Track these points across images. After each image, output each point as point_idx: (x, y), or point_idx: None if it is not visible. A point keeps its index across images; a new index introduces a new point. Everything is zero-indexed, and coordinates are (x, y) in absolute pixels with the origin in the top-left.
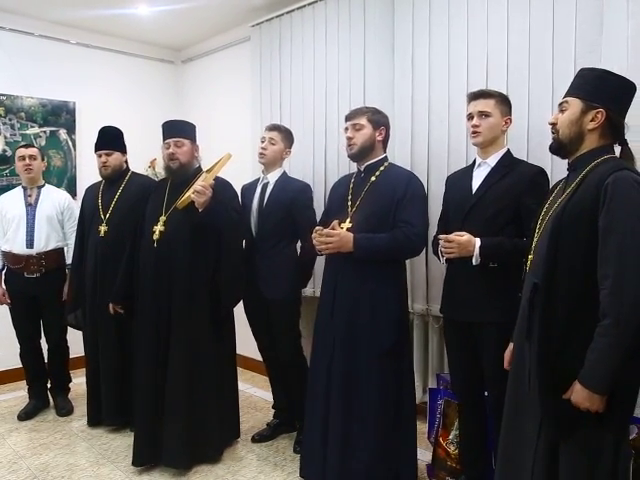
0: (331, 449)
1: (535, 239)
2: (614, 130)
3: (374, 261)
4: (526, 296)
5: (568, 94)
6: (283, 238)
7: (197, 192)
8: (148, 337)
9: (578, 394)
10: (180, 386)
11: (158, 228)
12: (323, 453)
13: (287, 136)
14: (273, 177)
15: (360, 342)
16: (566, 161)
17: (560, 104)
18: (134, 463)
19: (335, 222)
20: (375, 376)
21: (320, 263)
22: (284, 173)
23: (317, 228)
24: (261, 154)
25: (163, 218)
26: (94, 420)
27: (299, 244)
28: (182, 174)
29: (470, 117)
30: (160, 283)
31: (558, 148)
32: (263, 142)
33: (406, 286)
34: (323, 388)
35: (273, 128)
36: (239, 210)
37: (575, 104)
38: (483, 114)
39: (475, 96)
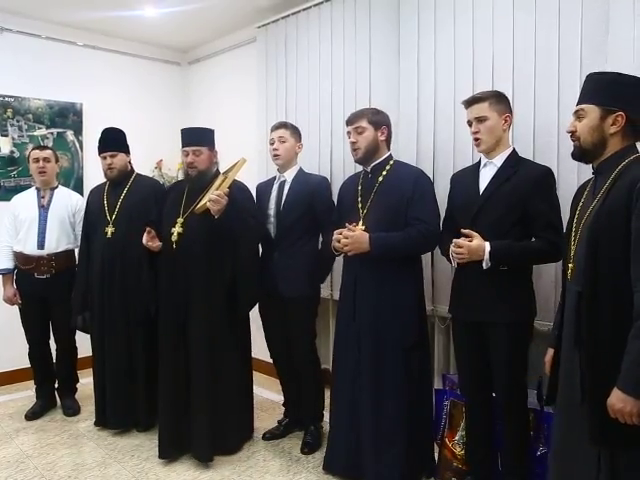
0: (365, 447)
1: (573, 247)
2: (634, 130)
3: (391, 260)
4: (571, 305)
5: (582, 101)
6: (304, 234)
7: (212, 201)
8: (169, 337)
9: (613, 396)
10: (202, 385)
11: (176, 230)
12: (355, 450)
13: (295, 131)
14: (290, 175)
15: (385, 341)
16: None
17: (576, 111)
18: (161, 456)
19: (354, 224)
20: (401, 371)
21: (338, 264)
22: (300, 169)
23: (337, 230)
24: (275, 155)
25: (180, 220)
26: (101, 421)
27: (320, 239)
28: (200, 180)
29: (470, 124)
30: (178, 283)
31: (581, 155)
32: (273, 143)
33: (423, 283)
34: (351, 389)
35: (279, 126)
36: (255, 213)
37: (592, 110)
38: (479, 119)
39: (468, 103)
